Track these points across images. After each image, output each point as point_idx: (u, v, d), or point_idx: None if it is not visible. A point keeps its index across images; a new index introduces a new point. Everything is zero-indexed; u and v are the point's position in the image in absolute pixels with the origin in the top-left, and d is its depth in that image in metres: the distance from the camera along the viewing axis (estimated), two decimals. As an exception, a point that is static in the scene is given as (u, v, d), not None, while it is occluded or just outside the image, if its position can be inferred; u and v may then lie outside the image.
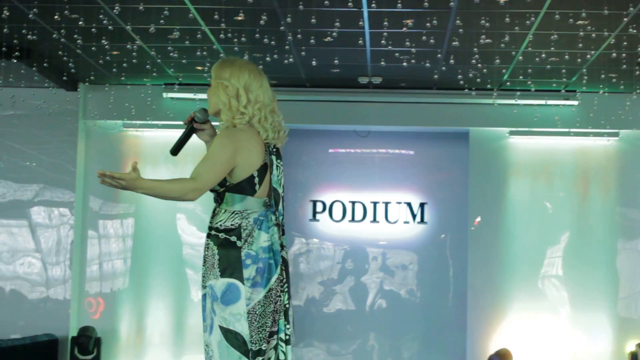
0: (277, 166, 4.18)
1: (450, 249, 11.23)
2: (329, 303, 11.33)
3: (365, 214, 11.29)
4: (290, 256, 11.34)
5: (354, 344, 11.22)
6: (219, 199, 4.04)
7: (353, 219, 11.29)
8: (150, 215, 10.58)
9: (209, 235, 4.01)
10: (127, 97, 10.11)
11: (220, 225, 3.98)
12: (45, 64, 8.94)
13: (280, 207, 4.16)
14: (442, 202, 11.25)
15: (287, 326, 4.06)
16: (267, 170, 4.12)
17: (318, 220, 11.33)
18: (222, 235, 3.97)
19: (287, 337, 4.06)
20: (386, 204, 11.28)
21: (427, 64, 9.12)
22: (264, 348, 3.94)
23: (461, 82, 9.69)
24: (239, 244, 3.93)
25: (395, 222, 11.25)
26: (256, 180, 4.05)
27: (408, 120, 10.74)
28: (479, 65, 9.05)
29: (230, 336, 3.87)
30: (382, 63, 9.11)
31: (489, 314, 10.46)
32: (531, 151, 10.71)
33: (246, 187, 4.02)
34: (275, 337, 4.00)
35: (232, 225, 3.97)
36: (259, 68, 4.29)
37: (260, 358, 3.93)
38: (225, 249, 3.93)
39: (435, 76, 9.74)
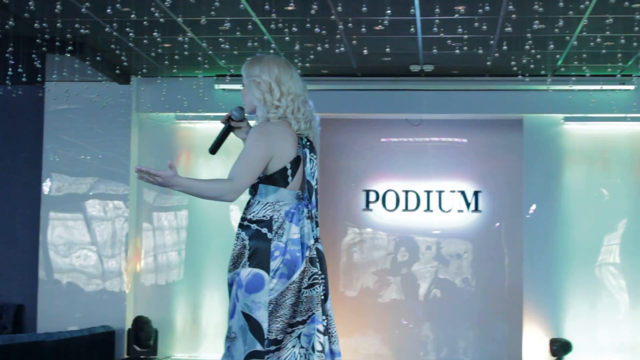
0: (310, 159, 4.21)
1: (505, 237, 11.17)
2: (383, 293, 11.33)
3: (419, 203, 11.27)
4: (343, 246, 11.36)
5: (408, 333, 11.22)
6: (253, 190, 4.14)
7: (406, 208, 11.28)
8: (204, 207, 10.66)
9: (241, 226, 4.11)
10: (179, 89, 10.18)
11: (253, 216, 4.10)
12: (98, 58, 9.05)
13: (313, 199, 4.21)
14: (497, 190, 11.19)
15: (323, 317, 4.18)
16: (300, 163, 4.18)
17: (371, 210, 11.34)
18: (254, 227, 4.08)
19: (324, 327, 4.17)
20: (440, 192, 11.25)
21: (480, 51, 9.05)
22: (279, 338, 4.06)
23: (514, 68, 9.61)
24: (269, 235, 4.05)
25: (449, 211, 11.22)
26: (289, 172, 4.12)
27: (461, 108, 10.69)
28: (533, 51, 8.97)
29: (251, 322, 4.02)
30: (434, 50, 9.07)
31: (546, 303, 10.38)
32: (587, 137, 10.60)
33: (279, 179, 4.10)
34: (295, 329, 4.11)
35: (264, 216, 4.08)
36: (287, 60, 4.35)
37: (275, 347, 4.05)
38: (256, 240, 4.06)
39: (488, 63, 9.68)
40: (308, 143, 4.23)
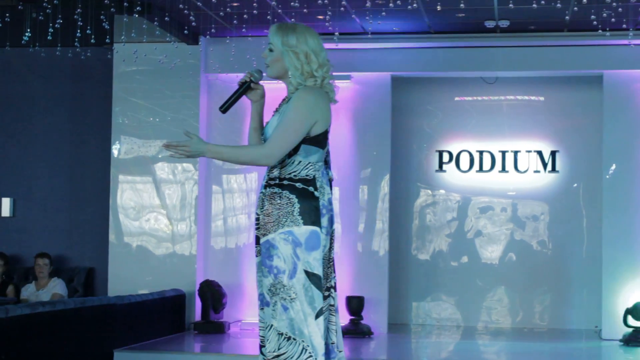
0: None
1: (584, 198, 11.05)
2: (456, 256, 11.31)
3: (494, 163, 11.20)
4: (415, 208, 11.35)
5: (483, 297, 11.20)
6: (293, 150, 4.27)
7: (481, 169, 11.22)
8: (274, 169, 10.68)
9: (279, 185, 4.25)
10: (248, 49, 10.17)
11: (294, 175, 4.25)
12: (166, 18, 9.08)
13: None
14: (575, 150, 11.07)
15: (333, 274, 4.42)
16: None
17: (444, 171, 11.30)
18: (299, 185, 4.25)
19: (335, 283, 4.44)
20: (515, 152, 11.16)
21: (558, 5, 8.90)
22: (324, 288, 4.32)
23: (594, 22, 9.42)
24: (316, 194, 4.25)
25: (525, 172, 11.14)
26: (328, 135, 4.37)
27: (538, 64, 10.56)
28: (614, 4, 8.78)
29: (314, 278, 4.19)
30: (510, 5, 8.92)
31: (626, 266, 10.24)
32: (670, 94, 10.40)
33: (321, 141, 4.31)
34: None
35: (307, 175, 4.27)
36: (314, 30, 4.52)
37: (324, 295, 4.28)
38: (306, 198, 4.23)
39: (567, 17, 9.52)
40: None
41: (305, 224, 4.19)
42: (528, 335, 10.56)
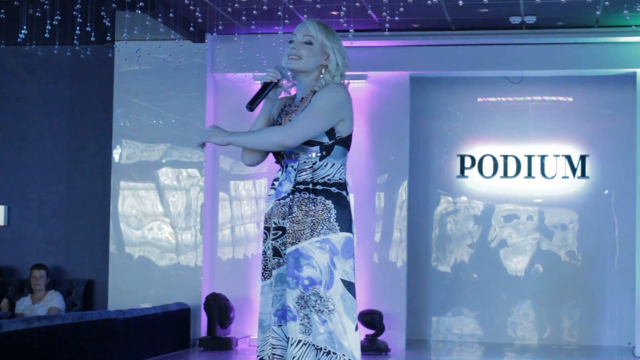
0: None
1: (616, 206, 11.02)
2: (479, 267, 11.28)
3: (519, 168, 11.17)
4: (435, 217, 11.33)
5: (507, 312, 11.17)
6: (325, 151, 4.31)
7: (505, 175, 11.19)
8: (284, 175, 10.68)
9: (313, 191, 4.27)
10: (258, 47, 10.17)
11: (329, 179, 4.28)
12: (170, 14, 9.09)
13: None
14: (606, 154, 11.04)
15: None
16: None
17: (466, 177, 11.28)
18: (334, 190, 4.29)
19: None
20: (542, 157, 11.14)
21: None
22: None
23: (627, 18, 9.41)
24: (348, 198, 4.32)
25: (552, 177, 11.11)
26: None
27: (566, 63, 10.55)
28: (648, -2, 8.77)
29: (351, 288, 4.22)
30: (537, 0, 8.91)
31: (661, 279, 10.22)
32: None
33: (349, 142, 4.40)
34: None
35: (340, 179, 4.32)
36: None
37: None
38: (341, 203, 4.28)
39: (598, 12, 9.49)
40: None
41: (341, 230, 4.23)
42: (556, 353, 10.53)
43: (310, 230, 4.21)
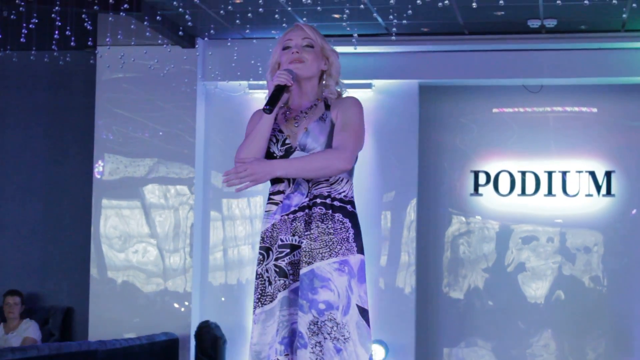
0: None
1: (644, 226, 11.03)
2: (495, 294, 11.27)
3: (538, 186, 11.17)
4: (447, 238, 11.32)
5: (526, 343, 11.17)
6: None
7: (523, 193, 11.19)
8: (282, 192, 10.67)
9: (331, 207, 4.27)
10: (253, 53, 10.19)
11: (345, 196, 4.33)
12: (158, 17, 9.10)
13: None
14: (633, 170, 11.06)
15: None
16: None
17: (481, 195, 11.27)
18: (350, 208, 4.33)
19: None
20: (564, 173, 11.13)
21: (614, 1, 8.88)
22: None
23: (656, 21, 9.45)
24: (358, 217, 4.34)
25: (575, 195, 11.10)
26: None
27: (589, 70, 10.57)
28: (680, -1, 8.78)
29: (365, 315, 4.26)
30: (558, 2, 8.92)
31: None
32: None
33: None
34: None
35: (352, 197, 4.37)
36: None
37: None
38: (357, 223, 4.32)
39: (624, 15, 9.53)
40: None
41: (358, 252, 4.27)
42: (579, 387, 10.52)
43: (328, 249, 4.20)
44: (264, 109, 4.27)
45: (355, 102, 4.41)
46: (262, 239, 4.31)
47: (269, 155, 4.34)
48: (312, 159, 4.22)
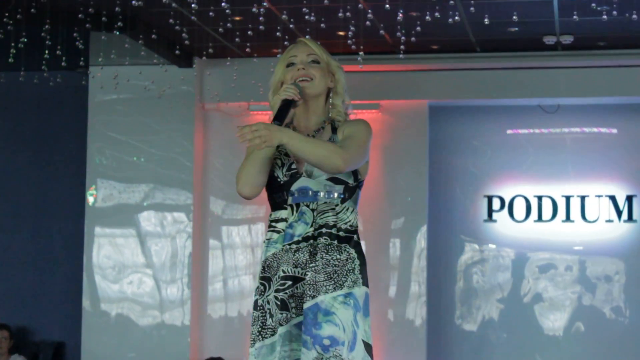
0: None
1: (668, 254, 11.03)
2: (510, 326, 11.25)
3: (556, 211, 11.17)
4: (459, 267, 11.32)
5: (544, 378, 11.14)
6: (348, 193, 4.32)
7: (540, 219, 11.19)
8: (285, 219, 10.68)
9: (336, 237, 4.26)
10: (253, 72, 10.21)
11: (351, 225, 4.32)
12: (153, 36, 9.13)
13: None
14: (656, 194, 11.05)
15: None
16: None
17: (495, 221, 11.26)
18: (356, 238, 4.32)
19: None
20: (582, 198, 11.13)
21: (634, 16, 8.90)
22: None
23: (679, 37, 9.48)
24: (362, 247, 4.34)
25: (594, 221, 11.10)
26: None
27: (609, 89, 10.60)
28: (703, 14, 8.80)
29: (370, 350, 4.23)
30: (575, 17, 8.93)
31: None
32: None
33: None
34: None
35: (357, 226, 4.36)
36: None
37: None
38: (362, 254, 4.30)
39: (644, 31, 9.56)
40: None
41: (363, 284, 4.26)
42: None
43: (333, 282, 4.19)
44: (274, 123, 4.21)
45: (363, 121, 4.42)
46: (263, 268, 4.28)
47: (273, 180, 4.33)
48: (318, 146, 4.14)
